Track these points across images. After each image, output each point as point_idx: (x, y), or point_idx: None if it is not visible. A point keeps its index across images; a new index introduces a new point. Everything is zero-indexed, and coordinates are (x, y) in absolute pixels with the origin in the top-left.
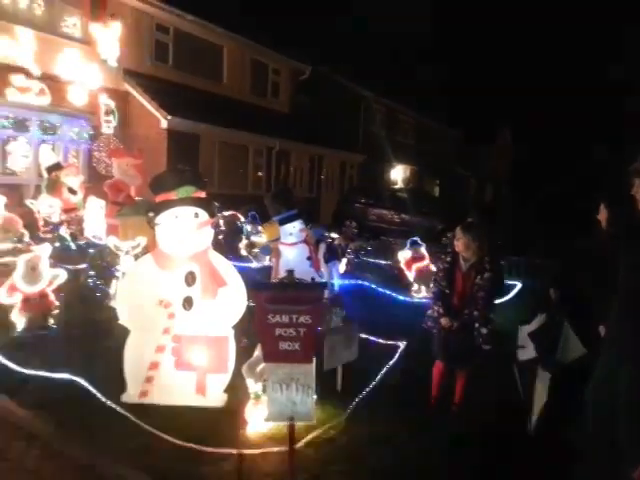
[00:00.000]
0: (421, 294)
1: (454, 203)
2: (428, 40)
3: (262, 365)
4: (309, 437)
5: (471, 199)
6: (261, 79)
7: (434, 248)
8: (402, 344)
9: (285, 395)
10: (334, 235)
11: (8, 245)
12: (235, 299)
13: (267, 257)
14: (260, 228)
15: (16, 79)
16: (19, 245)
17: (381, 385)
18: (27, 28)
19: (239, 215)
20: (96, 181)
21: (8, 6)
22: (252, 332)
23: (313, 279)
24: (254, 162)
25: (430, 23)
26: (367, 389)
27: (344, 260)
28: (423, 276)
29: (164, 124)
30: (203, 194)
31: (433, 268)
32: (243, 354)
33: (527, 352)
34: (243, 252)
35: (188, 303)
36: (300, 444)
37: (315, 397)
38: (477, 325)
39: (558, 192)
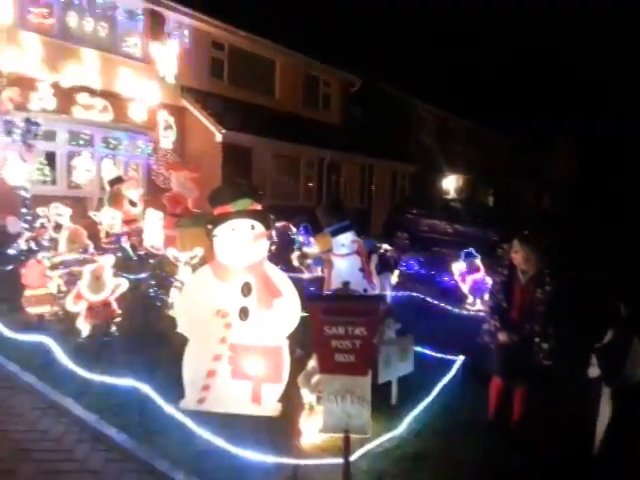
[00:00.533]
0: (476, 307)
1: (509, 213)
2: (481, 46)
3: (317, 376)
4: (363, 450)
5: (528, 209)
6: (312, 92)
7: (489, 260)
8: (458, 358)
9: (340, 407)
10: (386, 246)
11: (74, 255)
12: (290, 310)
13: (319, 268)
14: (312, 239)
15: (81, 97)
16: (84, 255)
17: (437, 400)
18: (92, 49)
19: (291, 226)
20: (154, 193)
21: (75, 30)
22: (306, 342)
23: (365, 290)
24: (305, 173)
25: (482, 30)
26: (423, 403)
27: (396, 272)
28: (478, 288)
29: (219, 138)
30: (259, 206)
31: (488, 281)
32: (297, 364)
33: (595, 369)
34: (295, 263)
35: (244, 313)
36: (354, 456)
37: (370, 410)
38: (537, 340)
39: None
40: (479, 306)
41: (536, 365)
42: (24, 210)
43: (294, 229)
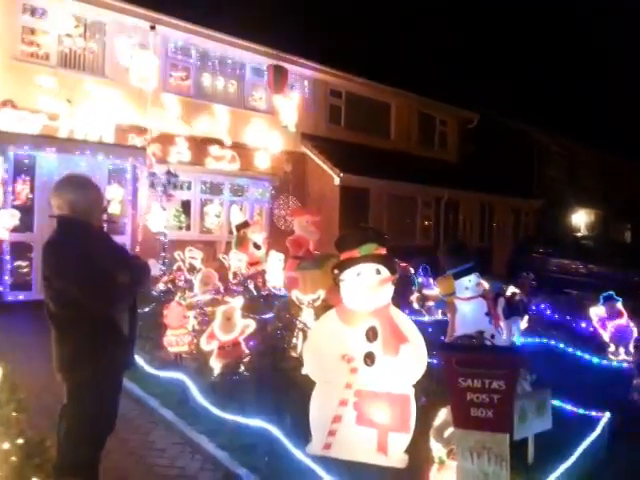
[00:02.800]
0: (620, 357)
1: None
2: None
3: (450, 429)
4: None
5: None
6: (428, 130)
7: (633, 304)
8: (603, 416)
9: (476, 465)
10: (513, 288)
11: (207, 297)
12: (416, 356)
13: (439, 311)
14: (431, 281)
15: (213, 149)
16: (216, 296)
17: (579, 462)
18: (222, 105)
19: (409, 267)
20: (276, 236)
21: (208, 89)
22: (431, 391)
23: (493, 337)
24: (422, 213)
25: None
26: (563, 466)
27: (526, 316)
28: (621, 336)
29: (337, 181)
30: (384, 251)
31: (633, 327)
32: (422, 413)
33: None
34: (415, 305)
35: (370, 359)
36: None
37: (509, 470)
38: None
39: None
40: (623, 356)
41: None
42: (163, 254)
43: (412, 270)
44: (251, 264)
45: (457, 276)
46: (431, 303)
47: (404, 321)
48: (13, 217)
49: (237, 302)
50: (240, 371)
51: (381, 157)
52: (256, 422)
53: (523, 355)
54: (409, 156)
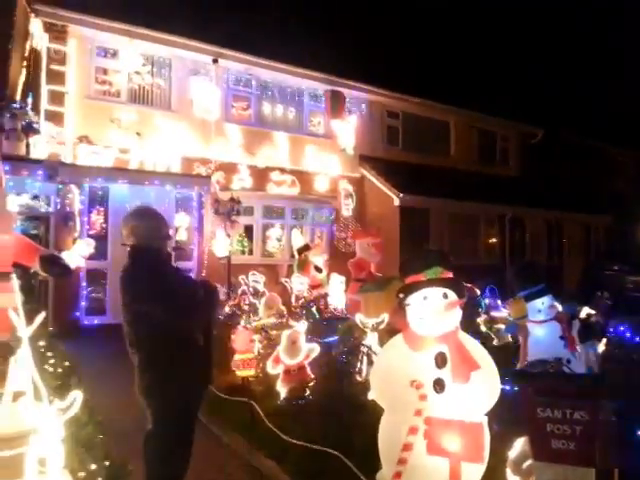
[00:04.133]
0: None
1: None
2: None
3: (529, 462)
4: None
5: None
6: (489, 147)
7: None
8: None
9: None
10: (589, 310)
11: (271, 320)
12: (489, 384)
13: (509, 335)
14: (499, 302)
15: (274, 175)
16: (280, 320)
17: None
18: (282, 132)
19: (475, 288)
20: (337, 258)
21: (268, 117)
22: (504, 419)
23: (569, 361)
24: (486, 231)
25: None
26: None
27: (603, 339)
28: None
29: (396, 202)
30: (451, 274)
31: None
32: (495, 442)
33: None
34: (482, 328)
35: (439, 385)
36: None
37: None
38: None
39: None
40: None
41: None
42: (227, 278)
43: (478, 291)
44: (313, 287)
45: (529, 298)
46: (500, 326)
47: (474, 347)
48: (89, 246)
49: (301, 326)
50: (306, 395)
51: (441, 176)
52: (324, 448)
53: (606, 384)
54: (470, 174)
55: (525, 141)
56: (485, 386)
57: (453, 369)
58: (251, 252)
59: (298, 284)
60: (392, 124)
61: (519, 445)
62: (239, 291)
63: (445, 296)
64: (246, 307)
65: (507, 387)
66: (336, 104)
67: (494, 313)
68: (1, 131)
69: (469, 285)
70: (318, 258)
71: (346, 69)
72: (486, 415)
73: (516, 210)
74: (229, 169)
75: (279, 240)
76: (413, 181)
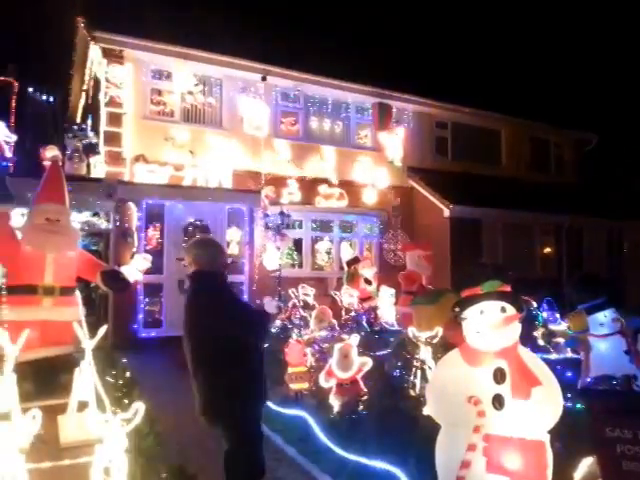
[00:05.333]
0: None
1: None
2: None
3: None
4: None
5: None
6: (542, 155)
7: None
8: None
9: None
10: None
11: (323, 333)
12: (551, 400)
13: (569, 349)
14: (557, 315)
15: (321, 188)
16: (332, 333)
17: None
18: (329, 146)
19: (532, 301)
20: (386, 271)
21: (316, 130)
22: (566, 437)
23: (635, 377)
24: (541, 242)
25: None
26: None
27: None
28: None
29: (446, 213)
30: (509, 288)
31: None
32: (557, 462)
33: None
34: (540, 342)
35: (498, 402)
36: None
37: None
38: None
39: None
40: None
41: None
42: (278, 291)
43: (535, 304)
44: (362, 300)
45: (590, 311)
46: (559, 340)
47: (535, 362)
48: (146, 260)
49: (353, 339)
50: (359, 409)
51: (492, 186)
52: (379, 464)
53: None
54: (523, 183)
55: (580, 148)
56: (547, 403)
57: (513, 385)
58: (301, 265)
59: (348, 297)
60: (441, 134)
61: (585, 466)
62: (290, 304)
63: (503, 310)
64: (297, 320)
65: (569, 404)
66: (383, 116)
67: (552, 326)
68: (64, 152)
69: (525, 298)
70: (367, 270)
71: (394, 81)
72: (548, 433)
73: (573, 219)
74: (278, 183)
75: (328, 253)
76: (464, 192)
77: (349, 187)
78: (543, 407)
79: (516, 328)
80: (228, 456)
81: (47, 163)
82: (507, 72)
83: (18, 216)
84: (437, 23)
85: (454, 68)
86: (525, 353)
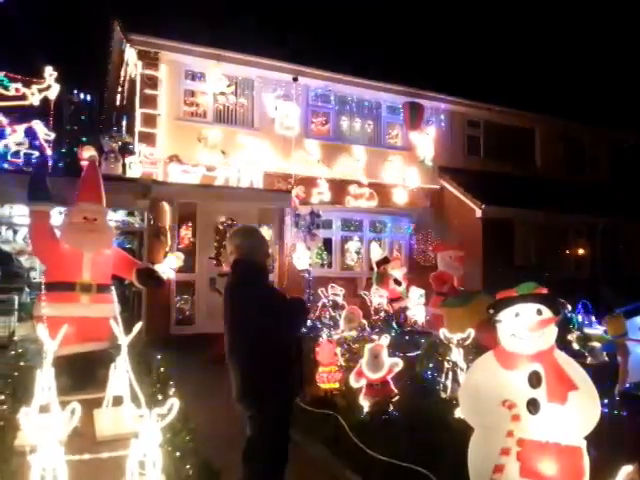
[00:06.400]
0: None
1: None
2: None
3: None
4: None
5: None
6: (577, 155)
7: None
8: None
9: None
10: None
11: (353, 333)
12: (588, 405)
13: (604, 353)
14: (593, 319)
15: (351, 188)
16: (362, 333)
17: None
18: (360, 146)
19: (566, 303)
20: (416, 271)
21: (346, 131)
22: (602, 443)
23: None
24: (575, 243)
25: None
26: None
27: None
28: None
29: (478, 214)
30: (545, 290)
31: None
32: (594, 468)
33: None
34: (575, 346)
35: (533, 406)
36: None
37: None
38: None
39: None
40: None
41: None
42: (308, 291)
43: (569, 307)
44: (392, 300)
45: (629, 315)
46: (595, 344)
47: (572, 366)
48: (178, 259)
49: (384, 340)
50: (389, 410)
51: (525, 186)
52: (410, 465)
53: None
54: (557, 183)
55: (616, 147)
56: (584, 408)
57: (548, 389)
58: (330, 265)
59: (377, 297)
60: (473, 134)
61: (624, 473)
62: (319, 304)
63: (539, 312)
64: (326, 320)
65: (606, 410)
66: (415, 115)
67: (588, 330)
68: (100, 152)
69: (560, 300)
70: (397, 271)
71: (425, 80)
72: (585, 439)
73: (609, 220)
74: (309, 183)
75: (358, 253)
76: (496, 192)
77: (379, 187)
78: (580, 412)
79: (553, 331)
80: (250, 443)
81: (84, 163)
82: (541, 70)
83: (57, 215)
84: (469, 21)
85: (486, 66)
86: (561, 357)
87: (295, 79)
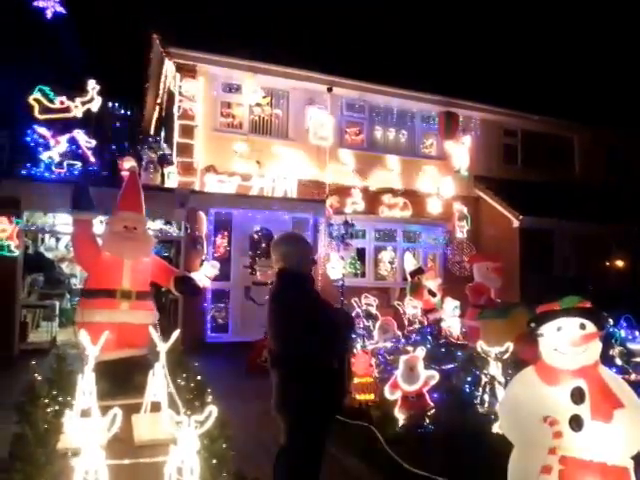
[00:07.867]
0: None
1: None
2: None
3: None
4: None
5: None
6: (618, 163)
7: None
8: None
9: None
10: None
11: (387, 344)
12: (635, 424)
13: None
14: (637, 333)
15: (385, 198)
16: (397, 345)
17: None
18: (393, 155)
19: (608, 317)
20: (451, 282)
21: (380, 140)
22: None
23: None
24: (617, 254)
25: None
26: None
27: None
28: None
29: (516, 224)
30: (589, 304)
31: None
32: None
33: None
34: (617, 361)
35: (576, 423)
36: None
37: None
38: None
39: None
40: None
41: None
42: (340, 299)
43: (611, 320)
44: (426, 311)
45: None
46: (639, 360)
47: (618, 383)
48: (214, 267)
49: (420, 352)
50: (425, 424)
51: (565, 195)
52: None
53: None
54: (596, 192)
55: None
56: (631, 427)
57: (593, 406)
58: (364, 275)
59: (411, 308)
60: (509, 142)
61: None
62: (353, 314)
63: (582, 327)
64: (360, 330)
65: None
66: (450, 125)
67: (631, 345)
68: (140, 163)
69: (604, 314)
70: (431, 282)
71: (460, 89)
72: (632, 459)
73: None
74: (342, 193)
75: (391, 263)
76: (534, 201)
77: (413, 197)
78: (626, 431)
79: (597, 346)
80: (283, 453)
81: (125, 173)
82: (578, 78)
83: (99, 223)
84: (506, 30)
85: (523, 75)
86: (607, 373)
87: (330, 89)
